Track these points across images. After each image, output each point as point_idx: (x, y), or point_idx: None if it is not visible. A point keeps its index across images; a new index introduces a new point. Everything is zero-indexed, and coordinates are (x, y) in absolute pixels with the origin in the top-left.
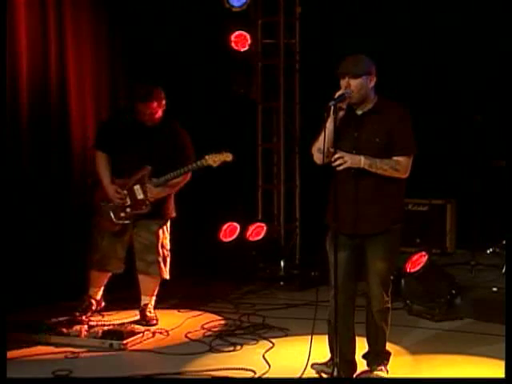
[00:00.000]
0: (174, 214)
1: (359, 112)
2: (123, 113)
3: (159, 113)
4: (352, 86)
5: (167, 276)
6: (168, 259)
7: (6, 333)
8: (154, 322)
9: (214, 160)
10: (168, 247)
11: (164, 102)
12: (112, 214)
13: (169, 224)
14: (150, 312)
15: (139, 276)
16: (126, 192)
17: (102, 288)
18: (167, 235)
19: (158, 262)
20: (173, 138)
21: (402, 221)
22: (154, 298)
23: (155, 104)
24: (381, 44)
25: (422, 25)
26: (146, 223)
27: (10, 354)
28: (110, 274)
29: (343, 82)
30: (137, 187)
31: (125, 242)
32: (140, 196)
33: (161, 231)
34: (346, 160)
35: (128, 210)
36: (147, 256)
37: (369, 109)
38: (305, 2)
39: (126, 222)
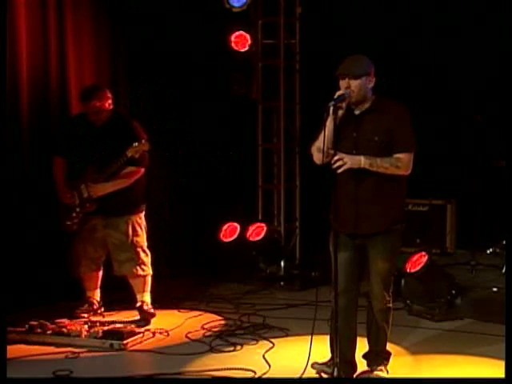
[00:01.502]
0: (142, 210)
1: (357, 112)
2: (77, 116)
3: (104, 111)
4: (352, 86)
5: (144, 272)
6: (142, 255)
7: (6, 333)
8: (152, 311)
9: (135, 151)
10: (141, 244)
11: (110, 101)
12: (66, 216)
13: (141, 220)
14: (146, 305)
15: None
16: (75, 193)
17: (98, 290)
18: (140, 232)
19: (130, 261)
20: (121, 134)
21: (403, 221)
22: (147, 293)
23: (97, 103)
24: (381, 44)
25: (422, 25)
26: (114, 222)
27: (10, 354)
28: (100, 274)
29: (343, 83)
30: (83, 186)
31: (96, 242)
32: (85, 194)
33: (130, 229)
34: (346, 161)
35: (77, 209)
36: (119, 255)
37: (366, 108)
38: (305, 3)
39: (75, 220)
